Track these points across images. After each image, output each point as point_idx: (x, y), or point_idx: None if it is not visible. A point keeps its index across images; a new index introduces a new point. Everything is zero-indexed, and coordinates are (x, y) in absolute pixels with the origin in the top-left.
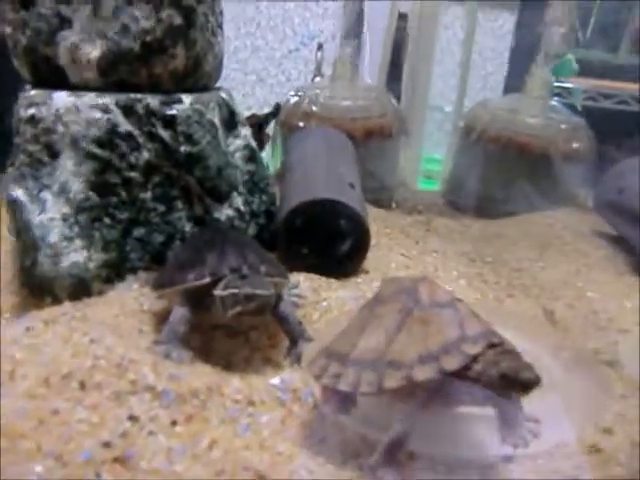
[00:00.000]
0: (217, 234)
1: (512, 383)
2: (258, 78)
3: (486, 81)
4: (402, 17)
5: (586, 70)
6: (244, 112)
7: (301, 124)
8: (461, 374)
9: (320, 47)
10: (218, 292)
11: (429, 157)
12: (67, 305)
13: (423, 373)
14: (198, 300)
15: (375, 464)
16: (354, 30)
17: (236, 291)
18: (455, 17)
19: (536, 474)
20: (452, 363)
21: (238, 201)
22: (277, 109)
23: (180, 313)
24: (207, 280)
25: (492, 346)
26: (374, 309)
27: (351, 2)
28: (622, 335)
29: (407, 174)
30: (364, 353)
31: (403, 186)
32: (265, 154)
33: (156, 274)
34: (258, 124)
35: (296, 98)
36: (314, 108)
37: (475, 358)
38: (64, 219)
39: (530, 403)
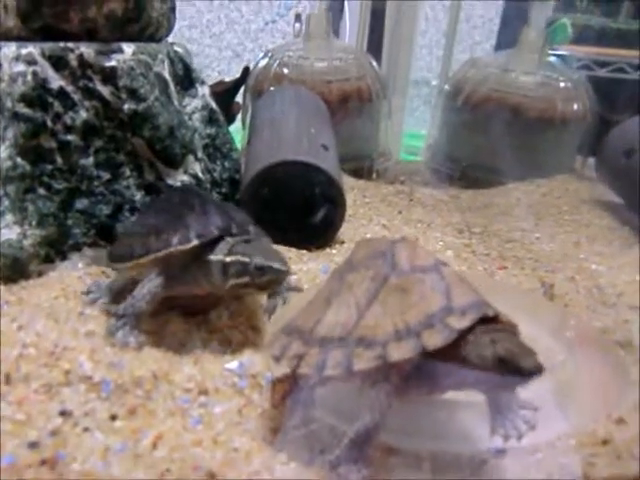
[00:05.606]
0: (187, 194)
1: (509, 369)
2: (234, 53)
3: (474, 51)
4: None
5: (582, 36)
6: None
7: (272, 89)
8: (446, 354)
9: (298, 18)
10: (219, 257)
11: (413, 133)
12: (1, 289)
13: (399, 352)
14: (175, 271)
15: (337, 460)
16: None
17: (247, 260)
18: None
19: (535, 471)
20: (435, 339)
21: (196, 167)
22: (245, 73)
23: (154, 285)
24: (195, 243)
25: (485, 320)
26: (344, 276)
27: None
28: (634, 312)
29: (389, 143)
30: (331, 329)
31: (384, 156)
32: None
33: (112, 247)
34: (226, 92)
35: (266, 60)
36: (285, 70)
37: (464, 335)
38: None
39: (526, 389)
